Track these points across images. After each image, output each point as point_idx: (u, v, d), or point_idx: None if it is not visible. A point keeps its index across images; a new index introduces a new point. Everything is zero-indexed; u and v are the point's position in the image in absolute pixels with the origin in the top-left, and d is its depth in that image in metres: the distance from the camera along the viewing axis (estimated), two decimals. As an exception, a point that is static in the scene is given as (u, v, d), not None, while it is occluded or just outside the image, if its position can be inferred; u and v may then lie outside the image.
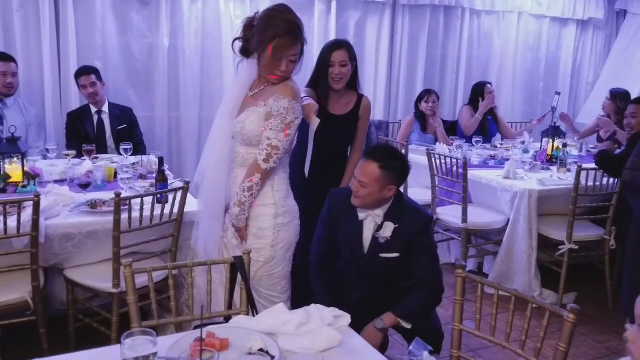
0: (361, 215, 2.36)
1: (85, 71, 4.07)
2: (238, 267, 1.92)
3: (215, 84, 4.94)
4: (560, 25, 6.64)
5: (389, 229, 2.31)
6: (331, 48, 2.95)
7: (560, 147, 4.43)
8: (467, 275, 1.88)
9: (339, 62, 2.91)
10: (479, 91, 5.18)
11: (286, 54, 2.20)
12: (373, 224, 2.36)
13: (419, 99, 5.07)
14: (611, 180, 3.68)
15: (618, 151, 4.10)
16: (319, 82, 2.97)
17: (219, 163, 2.33)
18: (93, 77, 4.05)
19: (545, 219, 3.82)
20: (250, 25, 2.27)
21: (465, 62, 6.13)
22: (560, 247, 3.71)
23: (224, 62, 4.91)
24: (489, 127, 5.23)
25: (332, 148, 3.01)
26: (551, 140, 4.48)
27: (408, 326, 2.33)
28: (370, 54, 5.63)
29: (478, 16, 6.15)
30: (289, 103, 2.21)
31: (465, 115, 5.18)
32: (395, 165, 2.29)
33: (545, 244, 3.83)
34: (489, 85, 5.23)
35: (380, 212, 2.34)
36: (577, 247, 3.68)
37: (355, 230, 2.38)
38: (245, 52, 2.31)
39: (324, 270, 2.47)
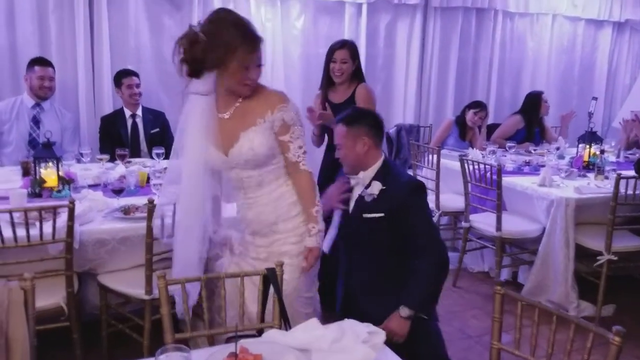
0: (352, 182, 2.45)
1: (132, 72, 4.19)
2: (270, 279, 1.90)
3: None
4: (596, 27, 6.49)
5: (376, 187, 2.37)
6: (335, 46, 3.45)
7: (598, 153, 4.30)
8: (506, 293, 1.82)
9: (340, 60, 3.41)
10: (536, 101, 5.11)
11: (251, 60, 2.07)
12: (361, 188, 2.43)
13: (469, 106, 4.97)
14: (652, 189, 3.56)
15: (659, 158, 3.97)
16: (325, 75, 3.47)
17: (196, 197, 2.19)
18: (137, 80, 4.17)
19: (582, 228, 3.70)
20: (194, 42, 1.98)
21: (498, 66, 6.04)
22: (598, 257, 3.57)
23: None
24: (535, 140, 5.17)
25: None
26: (588, 146, 4.36)
27: (424, 316, 2.30)
28: (400, 56, 5.58)
29: (511, 18, 6.04)
30: (292, 107, 2.17)
31: (510, 126, 5.11)
32: (364, 121, 2.41)
33: (583, 254, 3.70)
34: (543, 95, 5.19)
35: (368, 174, 2.40)
36: (616, 258, 3.54)
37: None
38: (195, 73, 2.05)
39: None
